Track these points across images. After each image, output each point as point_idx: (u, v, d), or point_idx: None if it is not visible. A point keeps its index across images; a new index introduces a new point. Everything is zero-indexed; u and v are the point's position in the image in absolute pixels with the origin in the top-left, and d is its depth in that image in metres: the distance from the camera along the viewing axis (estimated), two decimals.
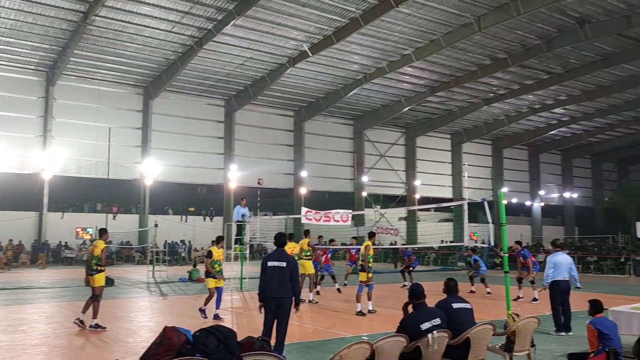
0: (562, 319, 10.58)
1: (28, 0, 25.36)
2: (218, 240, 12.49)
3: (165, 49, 31.25)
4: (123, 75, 34.92)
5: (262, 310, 7.78)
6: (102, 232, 11.44)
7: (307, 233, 16.52)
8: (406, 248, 21.86)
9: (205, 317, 11.81)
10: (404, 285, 19.33)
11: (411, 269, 20.67)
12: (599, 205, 59.97)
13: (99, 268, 10.98)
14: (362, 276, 13.18)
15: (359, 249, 17.05)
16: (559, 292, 10.69)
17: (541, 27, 29.06)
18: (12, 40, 29.36)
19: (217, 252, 12.21)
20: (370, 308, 13.16)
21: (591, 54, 32.59)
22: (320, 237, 19.00)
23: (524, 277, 16.52)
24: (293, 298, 7.80)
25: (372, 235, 14.06)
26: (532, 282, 16.19)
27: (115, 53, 31.35)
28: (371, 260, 13.36)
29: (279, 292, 7.66)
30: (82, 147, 34.55)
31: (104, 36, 29.12)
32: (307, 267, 15.47)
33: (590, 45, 30.90)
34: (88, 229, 34.95)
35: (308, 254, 15.72)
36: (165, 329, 4.47)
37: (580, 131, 50.49)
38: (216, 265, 12.10)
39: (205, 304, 12.15)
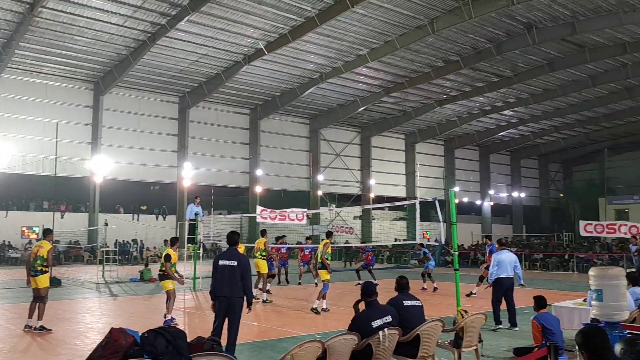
0: (499, 315, 10.94)
1: None
2: (173, 242, 12.23)
3: (116, 44, 30.44)
4: (72, 69, 33.82)
5: (214, 309, 7.70)
6: (47, 232, 11.18)
7: (263, 233, 16.50)
8: (366, 245, 21.91)
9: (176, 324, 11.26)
10: (358, 284, 19.49)
11: (371, 267, 20.71)
12: (545, 205, 62.23)
13: (43, 269, 10.66)
14: (324, 274, 13.21)
15: (312, 249, 17.20)
16: (502, 289, 11.03)
17: (491, 31, 29.90)
18: None
19: (174, 254, 11.84)
20: (324, 307, 13.24)
21: (538, 59, 33.76)
22: (283, 237, 19.07)
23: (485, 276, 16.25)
24: (245, 298, 7.70)
25: (329, 234, 14.19)
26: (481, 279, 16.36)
27: (63, 47, 30.31)
28: (329, 258, 13.44)
29: (229, 292, 7.57)
30: (28, 143, 33.30)
31: (52, 29, 28.11)
32: (262, 266, 15.41)
33: (537, 50, 32.00)
34: (34, 228, 33.70)
35: (264, 253, 15.67)
36: (112, 330, 4.37)
37: (528, 133, 52.23)
38: (173, 268, 11.70)
39: (169, 310, 11.49)
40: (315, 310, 12.92)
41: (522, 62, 34.34)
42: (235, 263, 7.68)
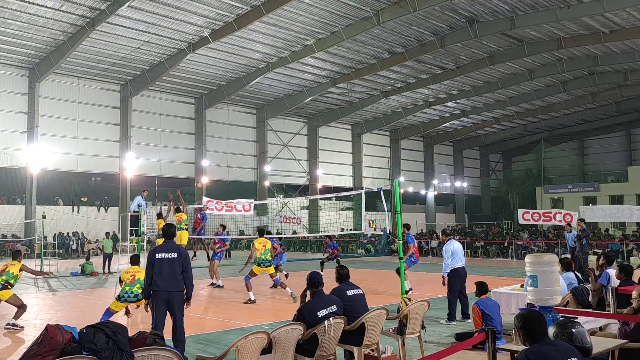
0: (455, 309, 10.54)
1: None
2: (133, 261, 10.49)
3: (52, 29, 29.09)
4: (4, 54, 32.10)
5: (149, 308, 7.27)
6: (17, 254, 11.28)
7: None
8: (331, 239, 20.95)
9: None
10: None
11: (338, 258, 19.99)
12: (486, 194, 64.36)
13: (6, 285, 10.73)
14: (256, 269, 13.38)
15: (222, 239, 17.37)
16: (460, 279, 10.64)
17: (435, 24, 30.49)
18: None
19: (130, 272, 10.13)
20: (253, 298, 13.20)
21: (479, 52, 34.73)
22: (220, 225, 18.72)
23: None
24: (185, 293, 7.30)
25: (261, 232, 14.54)
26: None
27: None
28: (268, 255, 13.42)
29: (170, 286, 7.13)
30: None
31: None
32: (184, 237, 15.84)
33: (479, 43, 32.91)
34: None
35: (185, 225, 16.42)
36: (47, 327, 4.21)
37: (470, 124, 53.78)
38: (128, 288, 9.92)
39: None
40: (250, 301, 13.04)
41: (464, 55, 35.23)
42: (175, 255, 7.27)
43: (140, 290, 9.45)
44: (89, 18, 27.96)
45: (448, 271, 10.62)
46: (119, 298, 9.95)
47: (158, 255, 7.26)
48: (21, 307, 10.73)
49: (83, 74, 35.85)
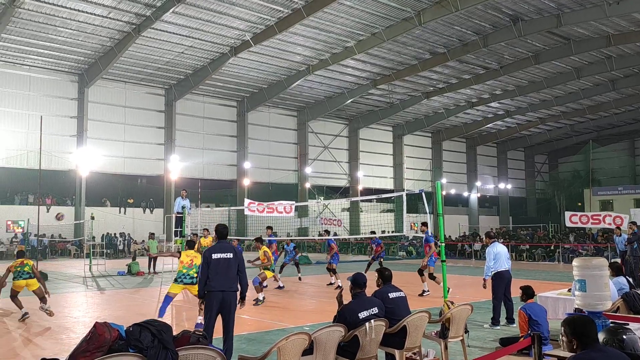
0: (500, 314, 10.32)
1: None
2: (190, 245, 11.38)
3: (101, 35, 30.08)
4: (56, 61, 33.40)
5: (202, 307, 7.31)
6: (21, 254, 11.99)
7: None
8: (375, 236, 20.82)
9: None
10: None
11: (381, 259, 19.80)
12: (531, 196, 62.80)
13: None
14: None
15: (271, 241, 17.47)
16: (503, 283, 10.39)
17: (478, 23, 29.98)
18: None
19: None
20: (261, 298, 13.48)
21: (523, 51, 33.93)
22: (268, 227, 18.91)
23: (424, 269, 15.01)
24: (239, 293, 7.31)
25: (259, 240, 14.94)
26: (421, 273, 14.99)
27: (46, 38, 29.92)
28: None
29: (225, 286, 7.12)
30: (11, 136, 32.94)
31: (35, 20, 27.72)
32: None
33: (523, 42, 32.16)
34: (19, 222, 33.35)
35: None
36: (96, 324, 4.34)
37: (514, 124, 52.59)
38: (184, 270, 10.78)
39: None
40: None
41: (508, 54, 34.50)
42: (231, 255, 7.26)
43: (196, 275, 10.03)
44: (135, 24, 28.77)
45: (490, 274, 10.39)
46: (175, 280, 10.47)
47: (214, 256, 7.26)
48: (44, 299, 11.22)
49: (129, 79, 36.91)
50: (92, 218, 24.63)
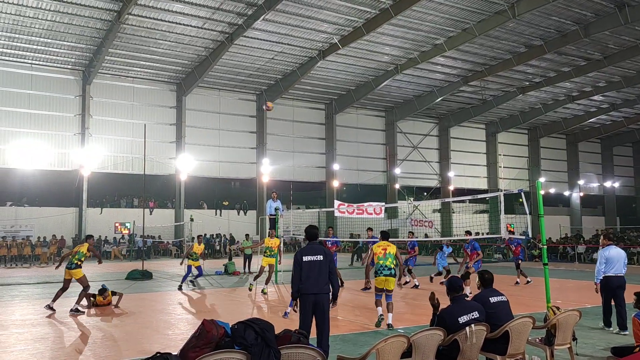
0: (608, 317, 10.19)
1: (64, 1, 25.96)
2: (383, 236, 11.15)
3: (196, 45, 31.58)
4: (156, 72, 35.49)
5: (297, 309, 7.35)
6: (88, 237, 13.49)
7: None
8: (514, 238, 19.24)
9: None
10: (517, 283, 18.07)
11: (519, 261, 18.54)
12: None
13: (79, 263, 12.70)
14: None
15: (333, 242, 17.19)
16: (609, 288, 10.14)
17: (578, 12, 28.22)
18: (49, 40, 30.13)
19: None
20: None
21: (631, 39, 31.49)
22: (330, 228, 18.87)
23: (471, 272, 14.89)
24: (331, 294, 7.32)
25: (89, 237, 14.56)
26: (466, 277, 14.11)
27: (148, 50, 31.87)
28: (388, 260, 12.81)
29: (317, 288, 7.18)
30: (119, 143, 35.41)
31: (137, 34, 29.62)
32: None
33: (630, 30, 29.86)
34: (126, 224, 35.78)
35: (274, 252, 15.96)
36: (204, 322, 4.52)
37: (621, 118, 49.00)
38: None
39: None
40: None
41: (612, 43, 32.19)
42: (321, 257, 7.32)
43: (393, 265, 10.38)
44: (227, 33, 29.91)
45: (600, 277, 10.12)
46: (374, 273, 10.71)
47: (305, 258, 7.33)
48: (85, 289, 12.54)
49: (223, 86, 38.44)
50: (192, 220, 25.82)
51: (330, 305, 7.37)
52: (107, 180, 35.85)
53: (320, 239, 17.03)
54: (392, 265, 10.40)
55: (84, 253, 12.80)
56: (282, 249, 17.41)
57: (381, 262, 10.43)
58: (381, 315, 10.48)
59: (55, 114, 33.95)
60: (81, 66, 34.07)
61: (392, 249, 10.58)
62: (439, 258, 18.25)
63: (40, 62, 33.11)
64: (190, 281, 18.02)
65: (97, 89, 34.94)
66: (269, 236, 16.40)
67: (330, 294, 7.36)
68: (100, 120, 35.02)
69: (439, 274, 18.05)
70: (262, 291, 15.64)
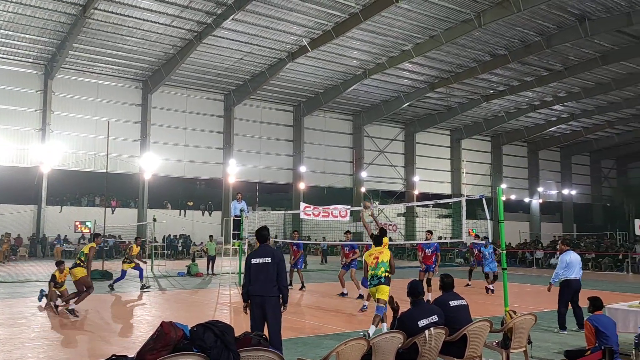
0: (565, 320, 10.48)
1: None
2: (376, 242, 10.63)
3: (164, 43, 31.16)
4: (122, 69, 34.85)
5: (247, 311, 7.28)
6: (95, 236, 13.67)
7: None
8: (477, 243, 19.65)
9: None
10: (468, 285, 18.47)
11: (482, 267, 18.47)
12: (597, 202, 60.11)
13: (78, 262, 12.41)
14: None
15: (352, 246, 16.51)
16: (570, 291, 10.53)
17: (541, 24, 29.03)
18: (10, 33, 29.25)
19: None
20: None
21: (590, 51, 32.57)
22: (295, 231, 18.83)
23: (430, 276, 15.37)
24: (280, 296, 7.19)
25: (96, 236, 14.61)
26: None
27: (114, 47, 31.27)
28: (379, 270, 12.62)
29: (264, 290, 7.08)
30: (81, 140, 34.61)
31: (103, 29, 29.03)
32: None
33: (590, 43, 30.87)
34: (87, 223, 34.93)
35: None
36: (162, 324, 4.47)
37: (580, 128, 50.54)
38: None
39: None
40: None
41: (573, 55, 33.22)
42: (269, 260, 7.19)
43: (385, 273, 9.68)
44: (196, 32, 29.62)
45: (557, 280, 10.56)
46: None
47: (253, 261, 7.27)
48: (87, 291, 12.10)
49: (190, 85, 38.03)
50: (154, 220, 25.44)
51: (282, 308, 7.24)
52: (68, 178, 34.97)
53: (282, 241, 17.02)
54: (384, 274, 9.72)
55: (84, 253, 12.62)
56: (246, 251, 17.32)
57: (372, 272, 9.80)
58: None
59: (15, 109, 32.95)
60: (43, 60, 33.19)
61: (386, 256, 9.89)
62: (487, 261, 17.47)
63: (1, 55, 32.11)
64: (143, 285, 17.29)
65: (60, 84, 34.08)
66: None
67: (281, 297, 7.21)
68: (62, 116, 34.17)
69: (494, 277, 17.08)
70: None
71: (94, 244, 12.88)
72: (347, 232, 17.42)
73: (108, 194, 35.89)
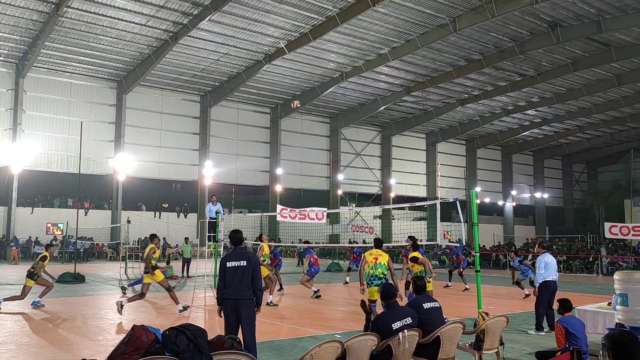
0: (542, 320, 10.63)
1: None
2: (377, 245, 11.08)
3: (139, 43, 30.81)
4: (96, 68, 34.35)
5: (222, 314, 7.24)
6: (152, 237, 13.47)
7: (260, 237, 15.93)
8: (456, 246, 20.04)
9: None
10: (447, 286, 19.12)
11: (461, 269, 19.31)
12: (569, 206, 61.27)
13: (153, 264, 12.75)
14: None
15: (360, 252, 17.03)
16: (549, 292, 10.69)
17: (515, 30, 29.54)
18: None
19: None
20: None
21: (562, 57, 33.26)
22: (262, 234, 18.79)
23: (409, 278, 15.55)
24: (255, 299, 7.16)
25: (153, 237, 13.55)
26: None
27: (87, 46, 30.81)
28: (153, 262, 12.68)
29: (238, 294, 7.05)
30: (53, 140, 33.98)
31: (76, 28, 28.58)
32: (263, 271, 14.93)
33: (562, 49, 31.53)
34: (59, 225, 34.26)
35: (266, 260, 15.05)
36: (134, 327, 4.42)
37: (552, 133, 51.53)
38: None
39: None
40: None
41: (545, 61, 33.87)
42: (244, 263, 7.15)
43: (383, 275, 10.10)
44: (172, 32, 29.36)
45: (540, 281, 10.70)
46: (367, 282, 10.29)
47: (228, 264, 7.22)
48: (168, 290, 12.82)
49: (166, 86, 37.66)
50: (129, 222, 25.09)
51: (256, 311, 7.23)
52: (39, 179, 34.30)
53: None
54: (382, 276, 10.18)
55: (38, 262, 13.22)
56: (221, 253, 17.18)
57: (371, 271, 10.29)
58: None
59: None
60: (14, 58, 32.53)
61: (384, 259, 10.36)
62: (523, 268, 17.30)
63: None
64: (122, 287, 17.06)
65: (32, 83, 33.43)
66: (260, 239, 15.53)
67: (255, 300, 7.18)
68: (34, 115, 33.52)
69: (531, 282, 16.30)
70: (269, 303, 14.04)
71: (150, 246, 12.94)
72: (410, 237, 15.81)
73: (81, 195, 35.32)
